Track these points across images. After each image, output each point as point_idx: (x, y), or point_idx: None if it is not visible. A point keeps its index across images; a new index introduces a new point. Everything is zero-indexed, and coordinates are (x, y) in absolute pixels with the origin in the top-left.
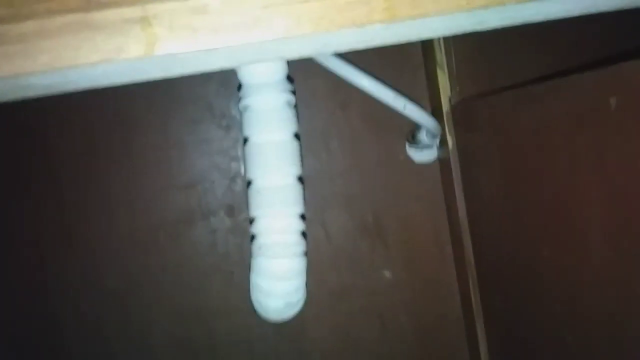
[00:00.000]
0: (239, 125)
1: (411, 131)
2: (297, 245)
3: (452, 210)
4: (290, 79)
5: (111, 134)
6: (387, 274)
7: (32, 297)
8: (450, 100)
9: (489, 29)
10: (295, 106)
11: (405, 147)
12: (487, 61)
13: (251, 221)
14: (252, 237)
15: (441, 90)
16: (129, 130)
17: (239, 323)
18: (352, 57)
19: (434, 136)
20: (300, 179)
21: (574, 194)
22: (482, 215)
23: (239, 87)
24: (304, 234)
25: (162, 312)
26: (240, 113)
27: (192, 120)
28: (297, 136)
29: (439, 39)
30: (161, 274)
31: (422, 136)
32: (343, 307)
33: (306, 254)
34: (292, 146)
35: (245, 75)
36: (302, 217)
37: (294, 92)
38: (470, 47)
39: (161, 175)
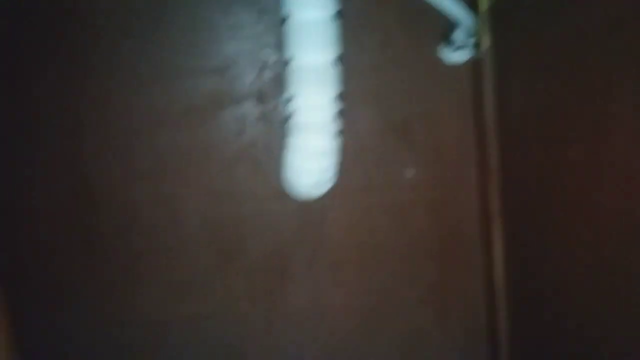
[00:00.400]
0: (273, 11)
1: (446, 31)
2: (332, 124)
3: (480, 113)
4: None
5: (140, 15)
6: (410, 172)
7: (68, 171)
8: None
9: None
10: None
11: (439, 47)
12: None
13: (288, 100)
14: (288, 116)
15: None
16: (159, 10)
17: (265, 208)
18: None
19: (469, 36)
20: (338, 60)
21: (605, 94)
22: (511, 118)
23: None
24: (339, 114)
25: (191, 192)
26: None
27: (224, 3)
28: (337, 15)
29: None
30: (190, 156)
31: (457, 36)
32: (365, 202)
33: (341, 133)
34: (332, 27)
35: None
36: (339, 97)
37: None
38: None
39: (191, 57)
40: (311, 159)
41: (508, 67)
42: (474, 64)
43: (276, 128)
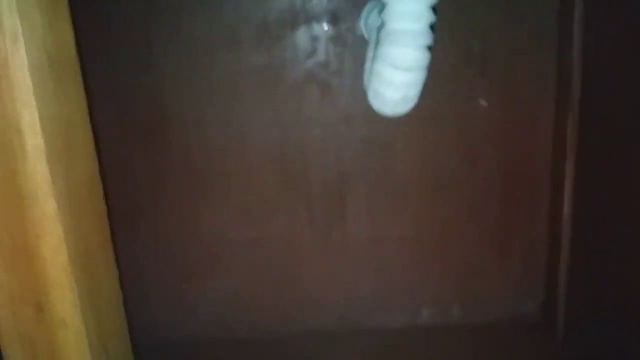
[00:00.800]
0: None
1: None
2: (425, 36)
3: (565, 49)
4: None
5: None
6: (483, 102)
7: (140, 89)
8: None
9: None
10: None
11: None
12: None
13: (382, 8)
14: (382, 25)
15: None
16: None
17: (331, 134)
18: None
19: None
20: None
21: None
22: (598, 55)
23: None
24: (431, 28)
25: (260, 115)
26: None
27: None
28: None
29: None
30: (261, 77)
31: None
32: (433, 132)
33: (430, 48)
34: None
35: None
36: (432, 10)
37: None
38: None
39: None
40: (401, 72)
41: (598, 3)
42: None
43: (349, 50)
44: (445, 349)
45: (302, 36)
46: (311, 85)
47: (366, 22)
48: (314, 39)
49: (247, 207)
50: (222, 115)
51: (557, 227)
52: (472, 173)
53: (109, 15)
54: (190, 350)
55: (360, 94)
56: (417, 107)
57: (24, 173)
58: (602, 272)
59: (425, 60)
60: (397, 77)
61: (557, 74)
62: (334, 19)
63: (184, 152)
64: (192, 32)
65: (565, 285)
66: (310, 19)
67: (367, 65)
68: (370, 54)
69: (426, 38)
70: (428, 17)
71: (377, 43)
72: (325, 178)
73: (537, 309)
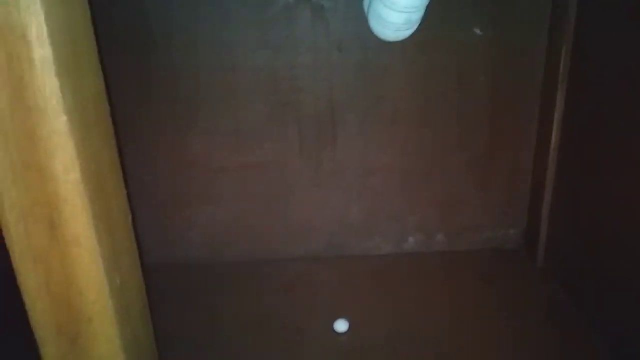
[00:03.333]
0: None
1: None
2: None
3: None
4: None
5: None
6: (477, 31)
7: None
8: None
9: None
10: None
11: None
12: None
13: None
14: None
15: None
16: None
17: (323, 59)
18: None
19: None
20: None
21: None
22: None
23: None
24: None
25: (250, 38)
26: None
27: None
28: None
29: None
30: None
31: None
32: (426, 59)
33: None
34: None
35: None
36: None
37: None
38: None
39: None
40: (399, 1)
41: None
42: None
43: None
44: (428, 274)
45: None
46: (303, 8)
47: None
48: None
49: (237, 132)
50: (210, 38)
51: (543, 158)
52: (463, 101)
53: None
54: (179, 273)
55: (354, 18)
56: (411, 34)
57: (32, 86)
58: (584, 203)
59: None
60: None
61: (553, 2)
62: None
63: (171, 75)
64: None
65: (547, 215)
66: None
67: None
68: None
69: None
70: None
71: None
72: (316, 105)
73: (518, 236)
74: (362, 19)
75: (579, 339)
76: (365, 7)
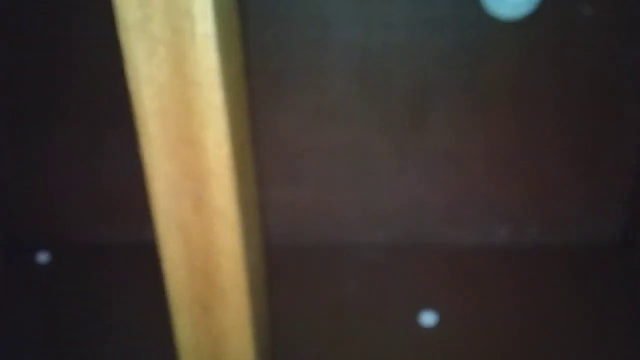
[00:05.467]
0: None
1: None
2: None
3: None
4: None
5: None
6: (587, 10)
7: None
8: None
9: None
10: None
11: None
12: None
13: None
14: None
15: None
16: None
17: (417, 37)
18: None
19: None
20: None
21: None
22: None
23: None
24: None
25: (342, 13)
26: None
27: None
28: None
29: None
30: None
31: None
32: (524, 41)
33: None
34: None
35: None
36: None
37: None
38: None
39: None
40: None
41: None
42: None
43: None
44: (518, 269)
45: None
46: None
47: None
48: None
49: (322, 111)
50: (302, 11)
51: None
52: (563, 86)
53: None
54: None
55: None
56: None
57: (192, 60)
58: None
59: None
60: None
61: None
62: None
63: (261, 48)
64: None
65: None
66: None
67: None
68: None
69: None
70: None
71: None
72: (405, 86)
73: (617, 233)
74: None
75: None
76: None
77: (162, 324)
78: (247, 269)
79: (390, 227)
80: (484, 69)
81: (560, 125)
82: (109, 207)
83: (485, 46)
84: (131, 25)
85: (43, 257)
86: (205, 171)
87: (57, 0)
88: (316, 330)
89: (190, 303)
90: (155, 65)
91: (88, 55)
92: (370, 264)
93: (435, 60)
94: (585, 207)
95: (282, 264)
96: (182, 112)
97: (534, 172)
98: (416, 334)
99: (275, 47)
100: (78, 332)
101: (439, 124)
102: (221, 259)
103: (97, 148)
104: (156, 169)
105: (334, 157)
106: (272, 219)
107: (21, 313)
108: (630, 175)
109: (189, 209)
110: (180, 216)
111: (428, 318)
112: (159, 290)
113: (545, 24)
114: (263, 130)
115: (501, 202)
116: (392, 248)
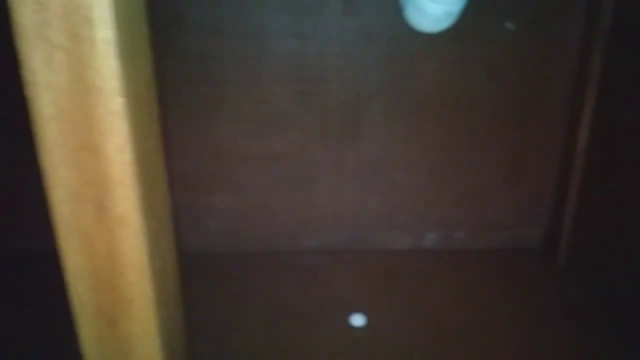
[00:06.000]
0: None
1: None
2: None
3: None
4: None
5: None
6: (510, 26)
7: None
8: None
9: None
10: None
11: None
12: None
13: None
14: None
15: None
16: None
17: (350, 50)
18: None
19: None
20: None
21: None
22: None
23: None
24: None
25: (278, 25)
26: None
27: None
28: None
29: None
30: None
31: None
32: (454, 53)
33: None
34: None
35: None
36: None
37: None
38: None
39: None
40: None
41: None
42: None
43: None
44: (446, 271)
45: None
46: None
47: None
48: None
49: (261, 120)
50: (240, 22)
51: (571, 158)
52: (490, 98)
53: None
54: (198, 262)
55: (385, 9)
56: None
57: (92, 66)
58: (610, 205)
59: None
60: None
61: (587, 2)
62: None
63: (200, 59)
64: None
65: (571, 215)
66: None
67: None
68: None
69: None
70: None
71: None
72: (341, 95)
73: (540, 236)
74: (392, 10)
75: (600, 339)
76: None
77: (70, 336)
78: (154, 278)
79: (327, 232)
80: (417, 80)
81: (487, 134)
82: (9, 216)
83: (415, 58)
84: (28, 30)
85: None
86: (107, 178)
87: None
88: (252, 335)
89: (95, 314)
90: (53, 71)
91: None
92: (307, 269)
93: (368, 71)
94: (509, 213)
95: (222, 269)
96: (81, 119)
97: (461, 179)
98: (347, 334)
99: (214, 58)
100: None
101: (372, 132)
102: (126, 269)
103: None
104: (55, 177)
105: (272, 164)
106: (212, 226)
107: None
108: (552, 182)
109: (90, 218)
110: (82, 225)
111: (358, 319)
112: (65, 301)
113: (473, 39)
114: (204, 137)
115: (431, 208)
116: (329, 253)
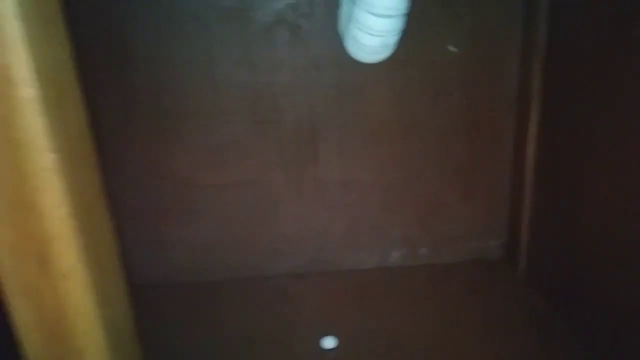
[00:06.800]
0: None
1: None
2: None
3: None
4: None
5: None
6: (452, 48)
7: (104, 29)
8: None
9: None
10: None
11: None
12: None
13: None
14: None
15: None
16: None
17: (302, 78)
18: None
19: None
20: None
21: None
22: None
23: None
24: None
25: (229, 56)
26: None
27: None
28: None
29: None
30: (229, 16)
31: None
32: (401, 77)
33: None
34: None
35: None
36: None
37: None
38: None
39: None
40: (380, 18)
41: None
42: None
43: None
44: (413, 287)
45: None
46: (281, 28)
47: None
48: None
49: (219, 150)
50: (191, 54)
51: (520, 170)
52: (440, 117)
53: None
54: (163, 293)
55: (331, 38)
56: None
57: (18, 125)
58: (563, 214)
59: (404, 7)
60: (376, 24)
61: (524, 19)
62: None
63: (152, 92)
64: None
65: (527, 226)
66: None
67: (342, 9)
68: None
69: None
70: None
71: None
72: (296, 122)
73: (500, 248)
74: (338, 39)
75: (560, 348)
76: (342, 30)
77: None
78: (105, 327)
79: (292, 256)
80: (367, 104)
81: (441, 153)
82: None
83: (364, 84)
84: None
85: None
86: (46, 234)
87: None
88: None
89: None
90: None
91: None
92: (275, 294)
93: (321, 98)
94: (469, 227)
95: (188, 300)
96: (13, 176)
97: (420, 197)
98: (319, 358)
99: (166, 90)
100: None
101: (329, 156)
102: (76, 320)
103: None
104: None
105: (232, 192)
106: (176, 257)
107: None
108: (506, 195)
109: (34, 272)
110: (26, 280)
111: (329, 342)
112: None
113: (417, 62)
114: (162, 170)
115: (393, 226)
116: (296, 276)
